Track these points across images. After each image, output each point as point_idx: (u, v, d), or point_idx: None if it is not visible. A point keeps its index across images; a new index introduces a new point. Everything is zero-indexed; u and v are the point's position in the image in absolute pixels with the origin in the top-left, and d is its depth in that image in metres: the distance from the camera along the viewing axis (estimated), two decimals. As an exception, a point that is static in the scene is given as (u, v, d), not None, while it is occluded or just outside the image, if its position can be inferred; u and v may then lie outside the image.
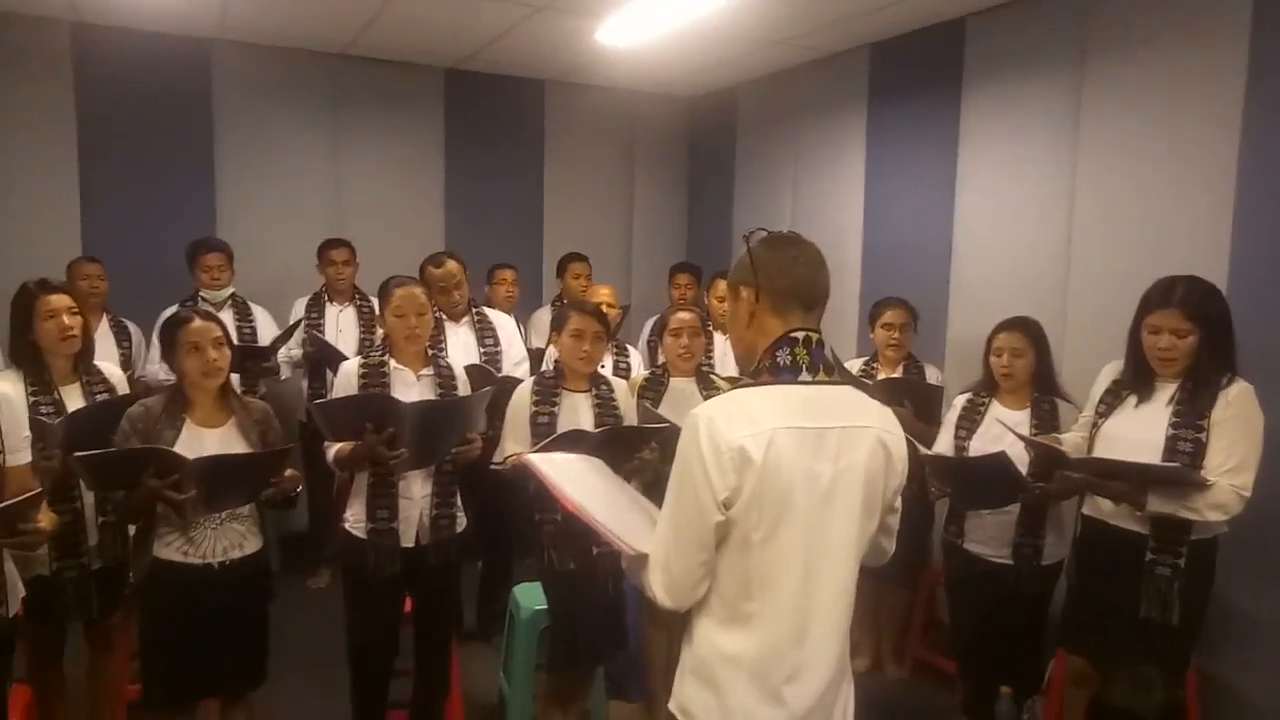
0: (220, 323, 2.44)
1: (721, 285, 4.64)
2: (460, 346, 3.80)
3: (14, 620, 2.07)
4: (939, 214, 4.16)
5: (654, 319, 5.12)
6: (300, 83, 5.12)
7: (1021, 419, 2.93)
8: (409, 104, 5.42)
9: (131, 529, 2.56)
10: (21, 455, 2.06)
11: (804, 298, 1.53)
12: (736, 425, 1.42)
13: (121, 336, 4.07)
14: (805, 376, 1.49)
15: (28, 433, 2.08)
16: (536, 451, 2.55)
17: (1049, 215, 3.67)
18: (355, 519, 2.70)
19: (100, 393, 2.73)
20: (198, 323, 2.39)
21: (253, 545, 2.46)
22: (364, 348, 4.35)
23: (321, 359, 4.21)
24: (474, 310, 3.99)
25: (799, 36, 4.52)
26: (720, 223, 5.87)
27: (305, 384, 4.37)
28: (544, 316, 4.75)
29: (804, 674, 1.49)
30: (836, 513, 1.49)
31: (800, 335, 1.51)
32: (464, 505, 2.86)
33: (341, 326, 4.46)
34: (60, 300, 2.64)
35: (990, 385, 3.05)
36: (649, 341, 5.00)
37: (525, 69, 5.49)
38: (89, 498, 2.62)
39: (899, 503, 1.63)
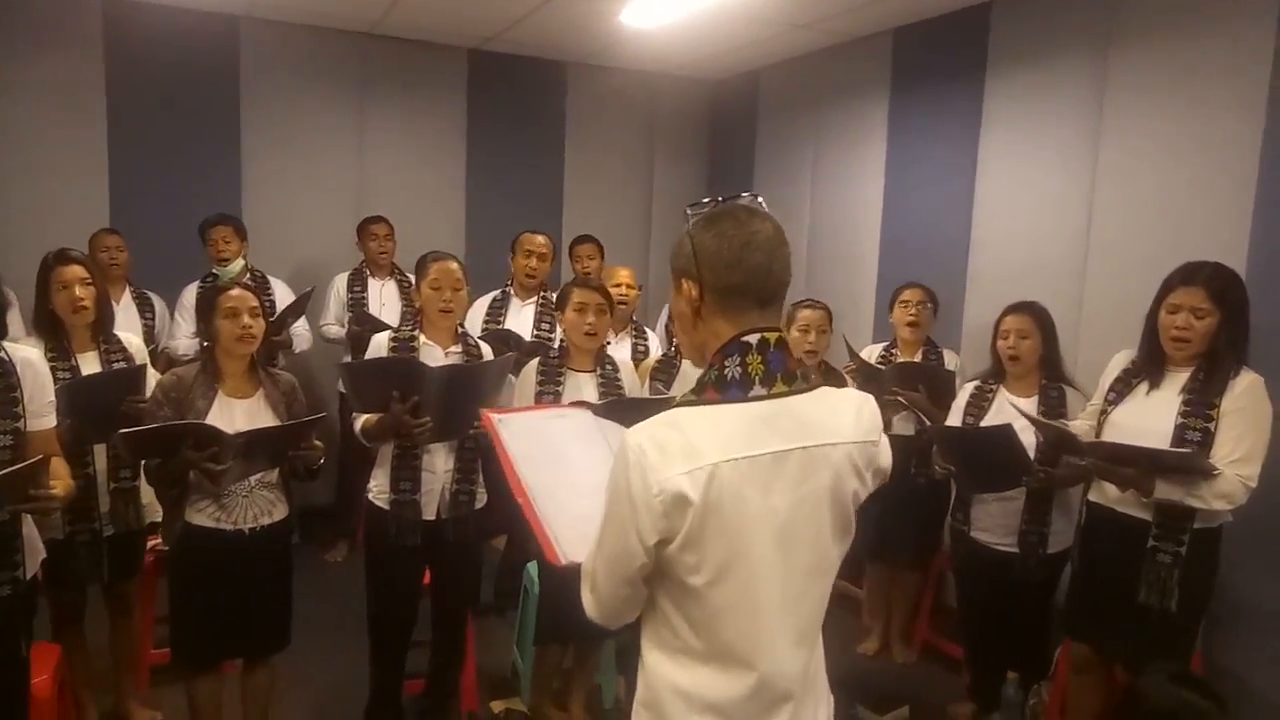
0: (257, 293, 2.51)
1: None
2: (521, 324, 3.89)
3: (33, 582, 2.13)
4: (958, 202, 4.17)
5: (669, 303, 5.15)
6: (327, 61, 5.16)
7: (1029, 406, 2.94)
8: (433, 84, 5.46)
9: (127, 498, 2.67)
10: (46, 420, 2.10)
11: (758, 292, 1.28)
12: (672, 460, 1.20)
13: (145, 308, 4.15)
14: (759, 390, 1.25)
15: (52, 398, 2.13)
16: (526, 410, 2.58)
17: (1069, 204, 3.66)
18: (379, 489, 2.77)
19: (117, 361, 2.79)
20: (236, 291, 2.48)
21: (280, 513, 2.54)
22: (406, 320, 4.43)
23: (367, 334, 4.29)
24: (542, 294, 4.05)
25: (824, 20, 4.51)
26: (740, 207, 5.88)
27: (348, 359, 4.45)
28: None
29: (780, 710, 1.32)
30: (798, 545, 1.29)
31: (754, 339, 1.26)
32: (486, 482, 2.90)
33: (384, 300, 4.58)
34: (73, 271, 2.70)
35: (999, 372, 3.07)
36: (666, 325, 5.04)
37: (548, 50, 5.51)
38: (101, 463, 2.69)
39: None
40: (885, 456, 1.42)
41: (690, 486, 1.20)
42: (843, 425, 1.33)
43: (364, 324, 4.32)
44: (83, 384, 2.55)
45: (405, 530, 2.73)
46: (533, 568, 3.31)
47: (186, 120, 4.88)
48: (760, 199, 1.35)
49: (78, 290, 2.66)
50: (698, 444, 1.21)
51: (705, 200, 1.34)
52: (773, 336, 1.28)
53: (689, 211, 1.33)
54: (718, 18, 4.44)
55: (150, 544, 3.01)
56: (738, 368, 1.26)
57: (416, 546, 2.75)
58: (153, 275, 4.35)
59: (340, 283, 4.63)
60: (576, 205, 5.95)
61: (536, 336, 3.93)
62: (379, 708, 2.89)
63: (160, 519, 2.89)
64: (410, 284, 4.57)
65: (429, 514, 2.77)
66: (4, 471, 1.87)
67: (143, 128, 4.79)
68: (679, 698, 1.31)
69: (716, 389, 1.26)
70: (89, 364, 2.70)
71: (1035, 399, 2.96)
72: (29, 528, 2.08)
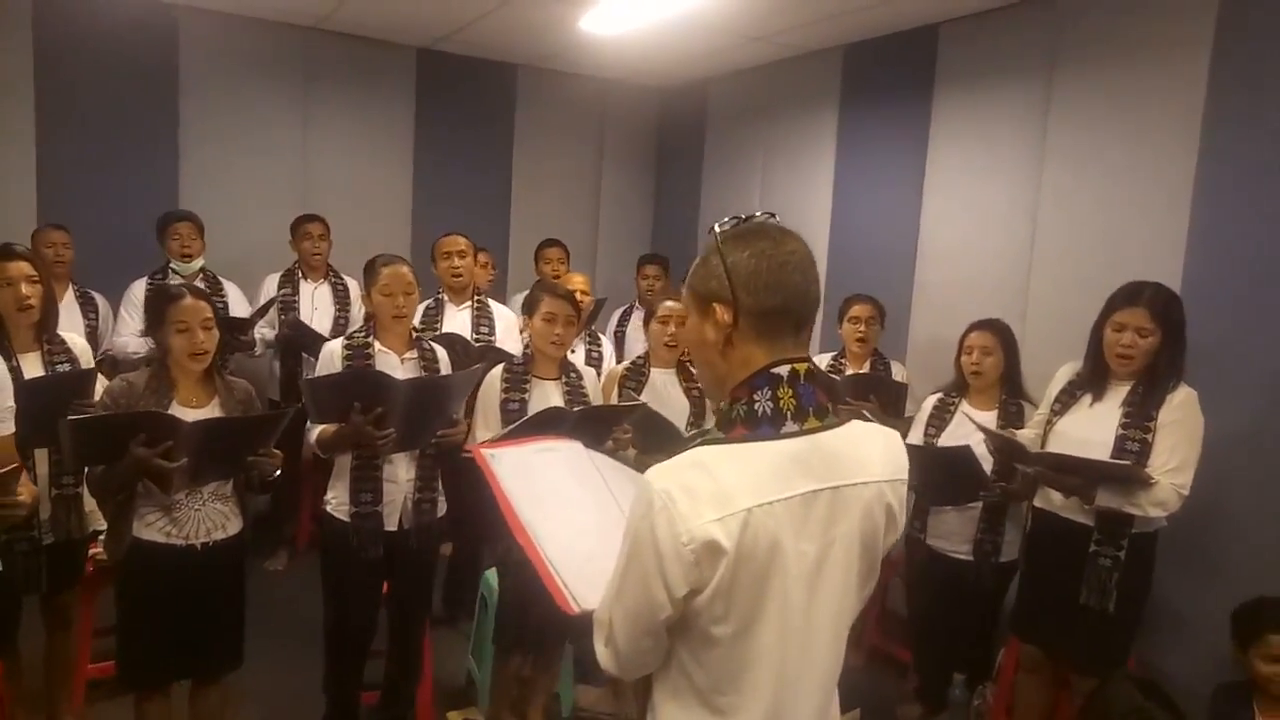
0: (211, 302, 2.42)
1: (692, 278, 4.70)
2: (458, 329, 3.82)
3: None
4: (906, 216, 4.28)
5: (622, 309, 5.16)
6: (270, 55, 5.03)
7: (989, 419, 3.05)
8: (380, 82, 5.36)
9: (77, 506, 2.54)
10: (4, 426, 2.01)
11: (797, 315, 1.21)
12: (702, 506, 1.12)
13: (88, 308, 3.97)
14: (791, 427, 1.18)
15: (11, 403, 2.03)
16: (512, 431, 2.57)
17: (1014, 220, 3.80)
18: (337, 501, 2.71)
19: (61, 362, 2.68)
20: (188, 301, 2.35)
21: (234, 527, 2.45)
22: (339, 325, 4.35)
23: (298, 341, 4.17)
24: (476, 297, 3.99)
25: (778, 34, 4.59)
26: (687, 214, 5.94)
27: (276, 365, 4.32)
28: (520, 304, 4.75)
29: None
30: (825, 590, 1.23)
31: (784, 371, 1.19)
32: (444, 489, 2.87)
33: (316, 304, 4.41)
34: (19, 268, 2.58)
35: (961, 385, 3.17)
36: (616, 331, 5.05)
37: (499, 52, 5.47)
38: (42, 469, 2.57)
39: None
40: (903, 493, 1.34)
41: (723, 535, 1.12)
42: (872, 463, 1.27)
43: (296, 330, 4.19)
44: (29, 386, 2.43)
45: (367, 542, 2.67)
46: (491, 576, 3.27)
47: (121, 113, 4.70)
48: (776, 217, 1.29)
49: (24, 288, 2.53)
50: (728, 488, 1.14)
51: (731, 218, 1.27)
52: (802, 368, 1.21)
53: (715, 230, 1.25)
54: (675, 27, 4.48)
55: (91, 553, 2.88)
56: (769, 402, 1.18)
57: (378, 558, 2.70)
58: (88, 273, 4.16)
59: (270, 284, 4.45)
60: (524, 209, 5.92)
61: (476, 340, 3.88)
62: (336, 719, 2.83)
63: (103, 527, 2.78)
64: (345, 287, 4.51)
65: (391, 524, 2.72)
66: None
67: (74, 120, 4.59)
68: None
69: (746, 425, 1.18)
70: (31, 365, 2.57)
71: (995, 413, 3.06)
72: None
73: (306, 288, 4.45)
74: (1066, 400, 2.74)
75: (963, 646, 3.21)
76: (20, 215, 4.33)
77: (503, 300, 4.69)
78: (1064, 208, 3.60)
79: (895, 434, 1.34)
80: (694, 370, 1.40)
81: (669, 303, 3.24)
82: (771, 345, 1.21)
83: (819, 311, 1.31)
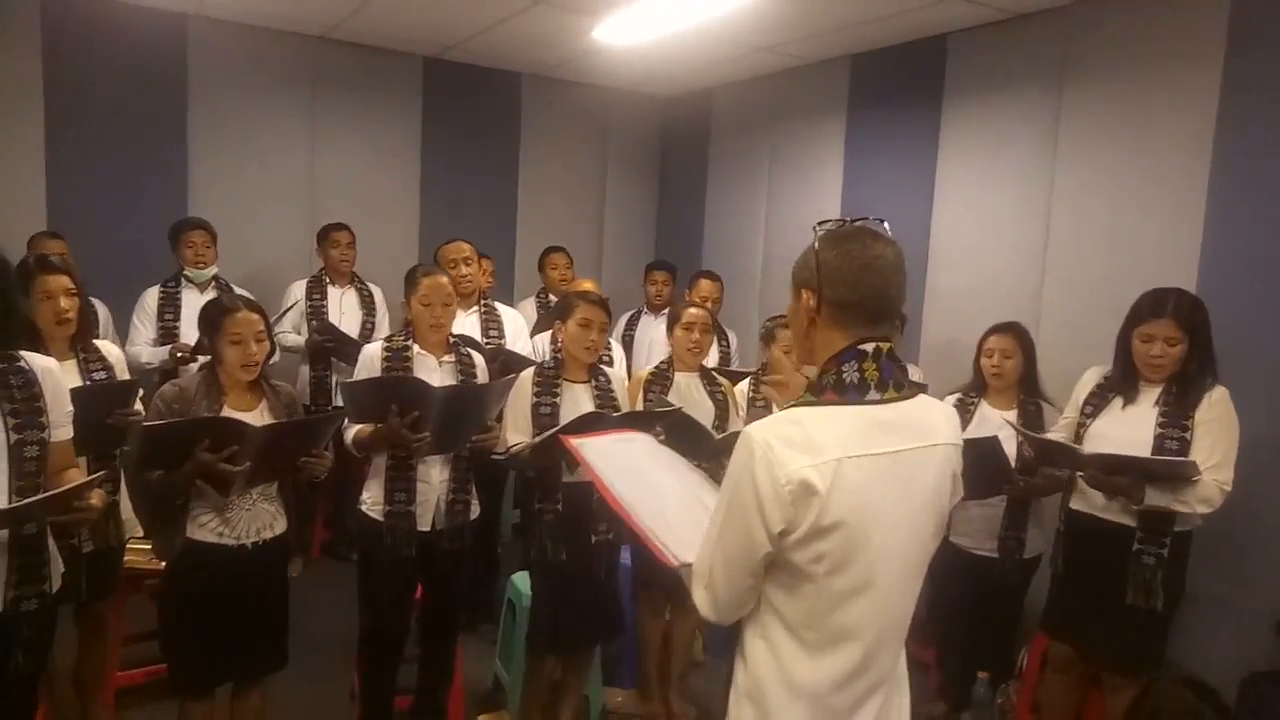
0: (263, 314, 2.44)
1: (705, 285, 4.75)
2: (467, 332, 3.82)
3: (57, 596, 2.04)
4: (916, 223, 4.34)
5: (629, 314, 5.20)
6: (278, 64, 5.03)
7: (1009, 419, 3.10)
8: (387, 91, 5.38)
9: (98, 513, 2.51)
10: (65, 430, 2.02)
11: (871, 311, 1.36)
12: (798, 454, 1.27)
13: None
14: (874, 395, 1.34)
15: (70, 408, 2.04)
16: (554, 434, 2.61)
17: (1025, 227, 3.87)
18: (372, 501, 2.72)
19: (97, 370, 2.68)
20: (243, 314, 2.39)
21: (280, 526, 2.47)
22: (365, 330, 4.41)
23: (330, 345, 4.21)
24: (483, 301, 4.01)
25: (787, 44, 4.65)
26: (691, 222, 5.99)
27: (306, 369, 4.33)
28: (528, 309, 4.78)
29: (869, 703, 1.41)
30: (903, 540, 1.38)
31: (870, 348, 1.35)
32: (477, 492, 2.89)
33: (344, 309, 4.48)
34: (58, 282, 2.58)
35: (980, 386, 3.22)
36: (624, 336, 5.08)
37: (505, 61, 5.50)
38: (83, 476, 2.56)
39: None
40: (960, 464, 1.50)
41: (817, 478, 1.27)
42: (938, 428, 1.44)
43: (326, 334, 4.24)
44: (81, 394, 2.42)
45: (400, 542, 2.68)
46: (519, 580, 3.29)
47: (130, 121, 4.69)
48: (885, 223, 1.46)
49: (62, 301, 2.54)
50: (820, 440, 1.29)
51: (832, 219, 1.44)
52: (885, 346, 1.37)
53: (817, 228, 1.42)
54: (681, 37, 4.53)
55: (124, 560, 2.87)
56: (856, 372, 1.35)
57: (411, 559, 2.71)
58: (94, 281, 4.09)
59: (299, 290, 4.50)
60: (530, 216, 5.95)
61: (487, 343, 3.90)
62: (370, 725, 2.82)
63: (138, 534, 2.78)
64: (370, 293, 4.59)
65: (424, 525, 2.73)
66: (60, 490, 1.85)
67: (83, 128, 4.58)
68: (782, 686, 1.37)
69: (836, 391, 1.35)
70: (69, 374, 2.55)
71: (1015, 413, 3.11)
72: (51, 541, 1.99)
73: (334, 293, 4.52)
74: (1097, 403, 2.79)
75: (986, 644, 3.25)
76: (29, 222, 4.30)
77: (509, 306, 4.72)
78: (1076, 214, 3.67)
79: (950, 407, 1.55)
80: (794, 348, 1.54)
81: (692, 309, 3.28)
82: (847, 332, 1.37)
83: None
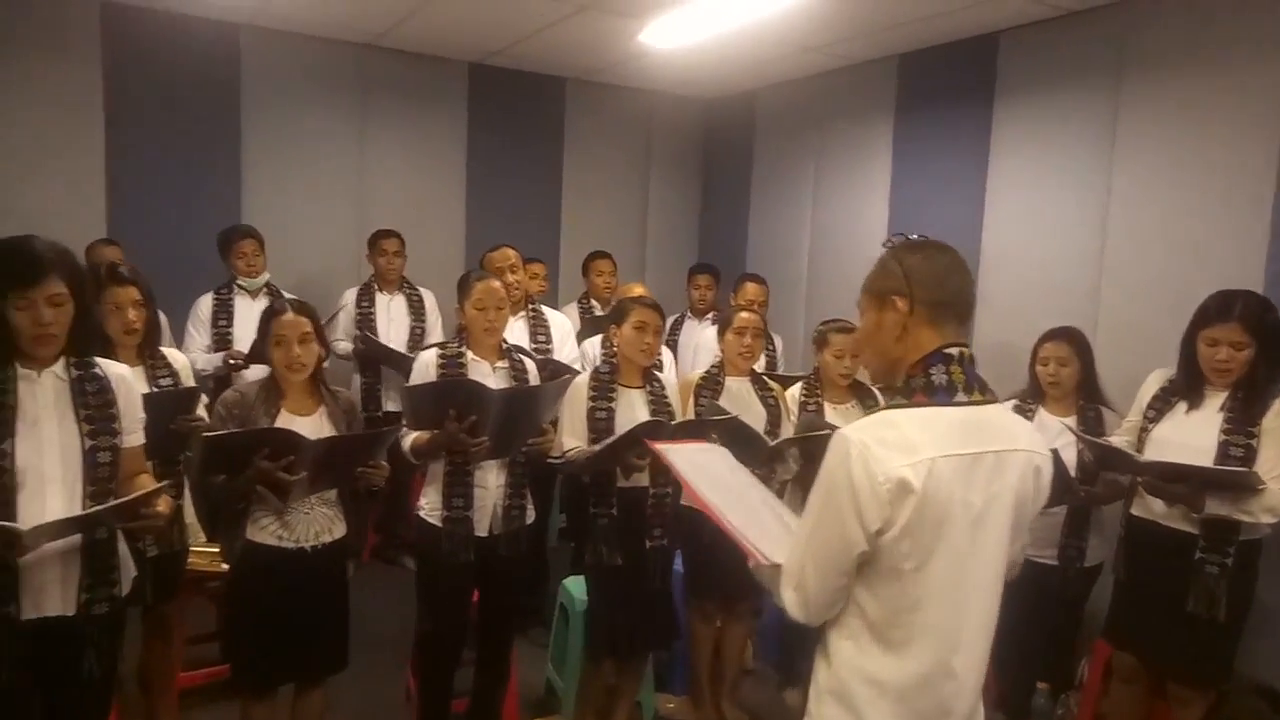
0: (312, 316, 2.47)
1: (750, 288, 4.71)
2: (514, 340, 3.83)
3: (128, 600, 2.09)
4: (967, 225, 4.28)
5: (672, 318, 5.18)
6: (328, 72, 5.10)
7: (1065, 429, 3.04)
8: (434, 97, 5.43)
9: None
10: (136, 436, 2.06)
11: (959, 309, 1.46)
12: (894, 454, 1.34)
13: None
14: (961, 397, 1.41)
15: (143, 414, 2.08)
16: (614, 443, 2.63)
17: (1082, 228, 3.80)
18: (430, 506, 2.74)
19: (163, 377, 2.74)
20: (288, 316, 2.42)
21: (339, 531, 2.49)
22: (415, 336, 4.46)
23: (372, 355, 4.25)
24: (530, 306, 4.02)
25: (832, 43, 4.61)
26: (735, 225, 5.96)
27: (357, 378, 4.38)
28: (571, 314, 4.78)
29: (957, 707, 1.44)
30: (986, 541, 1.42)
31: (955, 351, 1.43)
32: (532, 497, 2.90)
33: (392, 315, 4.52)
34: (127, 293, 2.66)
35: (1036, 393, 3.16)
36: (667, 341, 5.07)
37: (549, 66, 5.52)
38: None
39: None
40: (1051, 469, 1.53)
41: (913, 476, 1.33)
42: (1021, 435, 1.49)
43: (368, 345, 4.27)
44: (148, 401, 2.46)
45: (458, 546, 2.70)
46: (571, 584, 3.30)
47: (186, 129, 4.78)
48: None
49: (130, 313, 2.61)
50: (914, 440, 1.36)
51: (897, 233, 1.55)
52: (967, 351, 1.45)
53: (887, 243, 1.53)
54: (725, 39, 4.51)
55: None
56: (944, 375, 1.42)
57: (469, 564, 2.72)
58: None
59: (350, 298, 4.56)
60: (574, 221, 5.97)
61: (534, 348, 3.91)
62: (427, 729, 2.84)
63: (200, 540, 2.83)
64: (419, 298, 4.63)
65: (481, 530, 2.75)
66: (135, 496, 1.89)
67: (142, 136, 4.67)
68: (868, 685, 1.41)
69: (925, 393, 1.42)
70: (136, 381, 2.61)
71: (1074, 419, 3.05)
72: (122, 545, 2.03)
73: (382, 300, 4.56)
74: (1160, 407, 2.73)
75: (1046, 654, 3.19)
76: (91, 228, 4.39)
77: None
78: (1135, 214, 3.60)
79: (1032, 426, 1.61)
80: (868, 362, 1.59)
81: (744, 314, 3.26)
82: (940, 331, 1.45)
83: None
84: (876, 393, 3.53)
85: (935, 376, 1.42)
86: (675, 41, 4.53)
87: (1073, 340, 3.12)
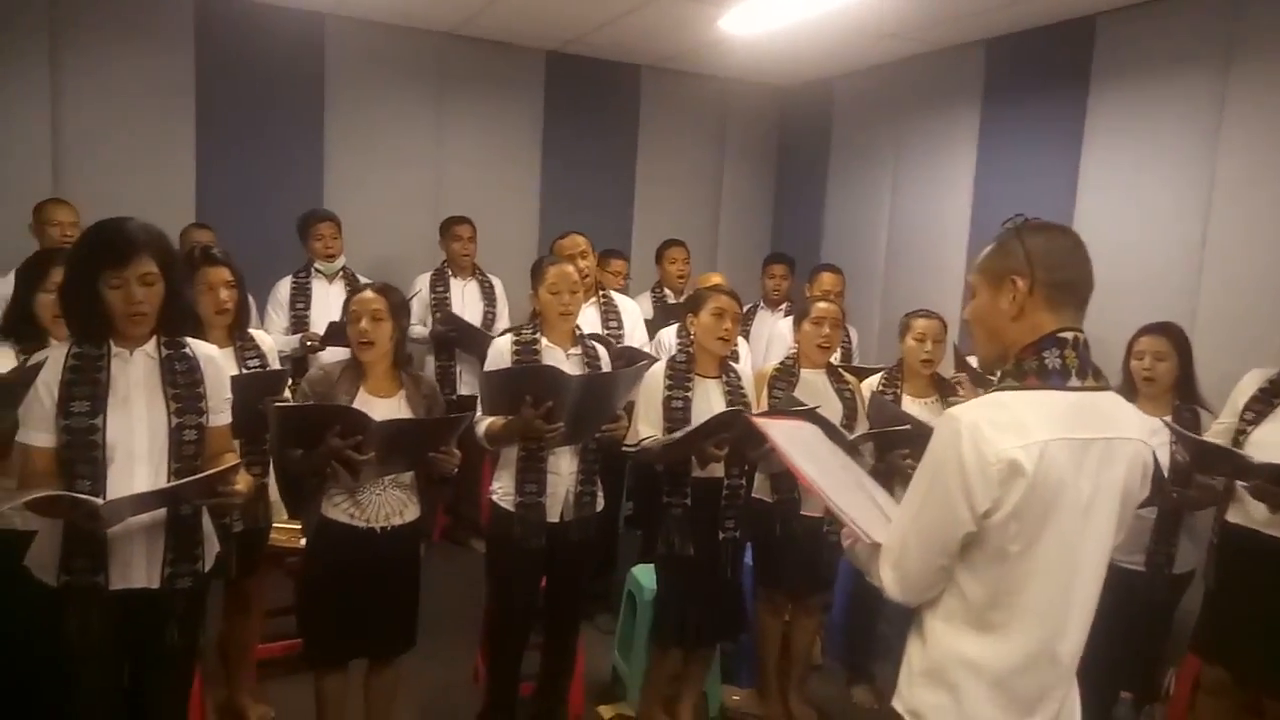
0: (390, 297, 2.50)
1: (826, 279, 4.62)
2: (585, 327, 3.83)
3: (210, 575, 2.14)
4: (1058, 215, 4.08)
5: (745, 308, 5.12)
6: (409, 61, 5.18)
7: (1162, 426, 2.91)
8: (511, 85, 5.47)
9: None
10: (223, 416, 2.11)
11: (1079, 293, 1.43)
12: (1006, 434, 1.33)
13: None
14: (1074, 382, 1.40)
15: (229, 395, 2.13)
16: (689, 434, 2.61)
17: (1182, 219, 3.63)
18: (503, 491, 2.75)
19: (251, 358, 2.80)
20: (365, 294, 2.48)
21: (411, 514, 2.53)
22: (486, 321, 4.51)
23: (454, 335, 4.31)
24: (600, 292, 4.02)
25: (915, 29, 4.49)
26: (810, 215, 5.87)
27: (432, 359, 4.44)
28: (644, 304, 4.77)
29: (1054, 693, 1.45)
30: (1092, 529, 1.41)
31: (1069, 336, 1.41)
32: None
33: (466, 301, 4.57)
34: (219, 274, 2.72)
35: (1130, 390, 3.03)
36: (740, 331, 5.01)
37: (625, 54, 5.51)
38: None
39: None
40: (1152, 460, 1.51)
41: (1025, 458, 1.33)
42: (1132, 424, 1.47)
43: (450, 324, 4.34)
44: (238, 382, 2.53)
45: (530, 531, 2.71)
46: (639, 572, 3.29)
47: (272, 117, 4.91)
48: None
49: (222, 293, 2.67)
50: (1026, 422, 1.35)
51: (1017, 214, 1.49)
52: (1081, 337, 1.43)
53: (1007, 224, 1.48)
54: (804, 25, 4.42)
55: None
56: (1057, 359, 1.40)
57: (540, 549, 2.73)
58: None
59: (423, 283, 4.62)
60: (647, 209, 5.95)
61: (608, 334, 3.90)
62: (496, 710, 2.87)
63: (284, 518, 2.90)
64: (491, 284, 4.67)
65: (553, 516, 2.76)
66: (210, 473, 1.92)
67: (229, 123, 4.81)
68: (967, 668, 1.42)
69: (1038, 376, 1.40)
70: (224, 361, 2.67)
71: (1168, 419, 2.91)
72: (206, 521, 2.08)
73: (456, 285, 4.62)
74: (1260, 409, 2.60)
75: (1130, 662, 3.06)
76: (180, 213, 4.55)
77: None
78: (1241, 204, 3.42)
79: (1144, 415, 1.61)
80: (979, 344, 1.54)
81: (823, 304, 3.20)
82: (1057, 315, 1.42)
83: (955, 325, 1.44)
84: (959, 390, 3.44)
85: (1048, 360, 1.39)
86: (754, 28, 4.46)
87: (1170, 335, 2.98)
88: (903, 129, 5.12)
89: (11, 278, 3.52)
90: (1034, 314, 1.42)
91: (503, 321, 4.59)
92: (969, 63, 4.65)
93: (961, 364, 3.66)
